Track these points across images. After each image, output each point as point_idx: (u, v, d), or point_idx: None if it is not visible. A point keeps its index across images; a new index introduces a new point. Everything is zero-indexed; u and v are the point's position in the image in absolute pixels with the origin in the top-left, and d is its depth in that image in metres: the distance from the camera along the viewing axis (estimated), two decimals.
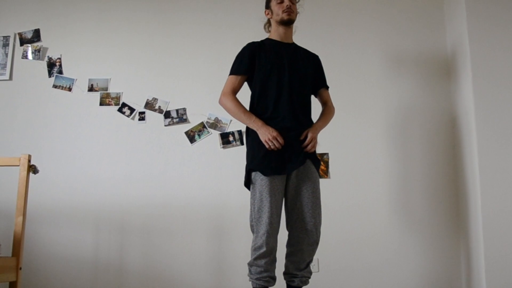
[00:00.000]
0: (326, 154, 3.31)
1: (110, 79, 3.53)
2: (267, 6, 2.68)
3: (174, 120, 3.43)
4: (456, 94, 3.26)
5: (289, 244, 2.52)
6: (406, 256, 3.18)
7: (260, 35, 2.75)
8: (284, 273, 2.54)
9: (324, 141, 3.10)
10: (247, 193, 2.58)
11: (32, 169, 2.51)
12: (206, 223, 3.28)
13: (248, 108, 2.60)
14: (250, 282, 2.46)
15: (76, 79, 3.54)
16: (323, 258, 3.12)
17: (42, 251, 3.28)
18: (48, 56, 3.59)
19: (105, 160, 3.40)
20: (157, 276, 3.23)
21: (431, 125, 3.31)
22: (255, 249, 2.42)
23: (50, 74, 3.57)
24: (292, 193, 2.49)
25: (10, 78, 3.58)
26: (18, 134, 3.48)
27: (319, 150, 2.76)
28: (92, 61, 3.56)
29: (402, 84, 3.38)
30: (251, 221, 2.47)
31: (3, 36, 3.64)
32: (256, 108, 2.57)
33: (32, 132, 3.47)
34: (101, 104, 3.49)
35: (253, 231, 2.46)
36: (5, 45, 3.62)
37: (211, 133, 3.40)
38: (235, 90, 2.61)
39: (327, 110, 2.73)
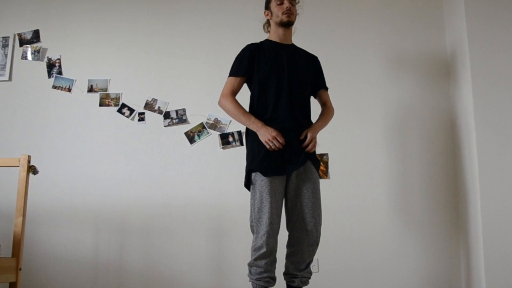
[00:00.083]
0: (326, 154, 3.32)
1: (109, 79, 3.53)
2: (267, 7, 2.68)
3: (174, 121, 3.43)
4: (455, 94, 3.26)
5: (289, 245, 2.52)
6: (406, 256, 3.18)
7: (259, 36, 2.75)
8: (284, 274, 2.54)
9: (324, 142, 3.10)
10: (246, 193, 2.58)
11: (32, 169, 2.52)
12: (206, 223, 3.28)
13: (247, 110, 2.60)
14: (250, 282, 2.46)
15: (76, 80, 3.54)
16: (323, 259, 3.12)
17: (42, 251, 3.28)
18: (47, 57, 3.59)
19: (105, 161, 3.40)
20: (157, 276, 3.23)
21: (430, 125, 3.32)
22: (255, 249, 2.42)
23: (49, 74, 3.57)
24: (292, 193, 2.49)
25: (10, 79, 3.58)
26: (17, 134, 3.48)
27: (318, 150, 2.77)
28: (92, 61, 3.56)
29: (402, 85, 3.39)
30: (251, 221, 2.47)
31: (3, 37, 3.63)
32: (256, 110, 2.57)
33: (32, 133, 3.47)
34: (101, 104, 3.49)
35: (253, 232, 2.47)
36: (5, 46, 3.62)
37: (211, 134, 3.40)
38: (234, 92, 2.62)
39: (327, 110, 2.73)
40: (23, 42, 3.63)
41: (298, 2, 2.70)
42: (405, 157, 3.29)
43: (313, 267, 2.62)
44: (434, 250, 3.17)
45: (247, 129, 2.60)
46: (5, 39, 3.63)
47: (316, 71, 2.74)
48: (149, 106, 3.47)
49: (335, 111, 2.76)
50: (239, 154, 3.17)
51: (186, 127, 3.42)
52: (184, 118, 3.43)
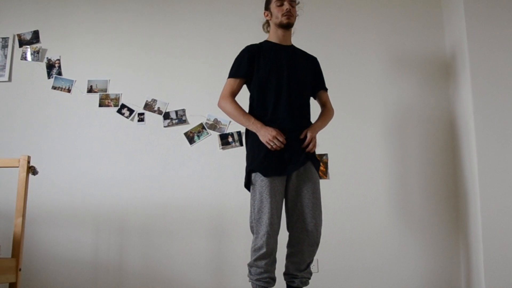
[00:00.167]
0: (325, 155, 3.32)
1: (109, 80, 3.53)
2: (267, 7, 2.68)
3: (174, 121, 3.43)
4: (455, 94, 3.27)
5: (289, 245, 2.52)
6: (406, 256, 3.18)
7: (259, 36, 2.75)
8: (284, 274, 2.54)
9: (323, 142, 3.10)
10: (246, 193, 2.58)
11: (32, 170, 2.52)
12: (205, 223, 3.28)
13: (247, 111, 2.60)
14: (250, 283, 2.46)
15: (75, 81, 3.54)
16: (323, 259, 3.12)
17: (42, 252, 3.28)
18: (47, 58, 3.60)
19: (105, 161, 3.41)
20: (157, 277, 3.23)
21: (430, 125, 3.32)
22: (255, 250, 2.42)
23: (49, 75, 3.57)
24: (292, 194, 2.49)
25: (9, 79, 3.58)
26: (17, 135, 3.48)
27: (318, 151, 2.77)
28: (91, 62, 3.56)
29: (401, 85, 3.39)
30: (251, 222, 2.47)
31: (2, 38, 3.63)
32: (255, 111, 2.57)
33: (32, 134, 3.47)
34: (101, 105, 3.49)
35: (253, 232, 2.47)
36: (4, 46, 3.62)
37: (210, 134, 3.40)
38: (234, 93, 2.62)
39: (326, 111, 2.74)
40: (22, 42, 3.63)
41: (298, 3, 2.69)
42: (405, 157, 3.29)
43: (312, 267, 2.62)
44: (434, 250, 3.18)
45: (247, 129, 2.61)
46: (5, 39, 3.63)
47: (315, 72, 2.74)
48: (148, 106, 3.47)
49: (334, 111, 2.76)
50: (238, 155, 3.17)
51: (185, 128, 3.42)
52: (183, 118, 3.43)
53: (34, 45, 3.61)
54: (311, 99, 2.72)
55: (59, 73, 3.56)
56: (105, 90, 3.51)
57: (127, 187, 3.35)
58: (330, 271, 3.17)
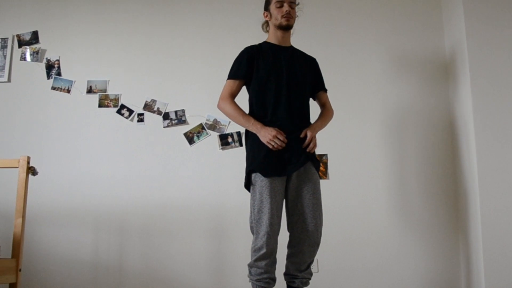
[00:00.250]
0: (325, 155, 3.32)
1: (108, 80, 3.53)
2: (266, 8, 2.67)
3: (173, 122, 3.43)
4: (454, 95, 3.27)
5: (290, 245, 2.52)
6: (406, 257, 3.18)
7: (259, 37, 2.75)
8: (285, 274, 2.54)
9: (323, 142, 3.10)
10: (246, 193, 2.58)
11: (31, 170, 2.52)
12: (205, 223, 3.28)
13: (247, 112, 2.60)
14: (250, 283, 2.46)
15: (75, 81, 3.54)
16: (323, 259, 3.12)
17: (42, 252, 3.28)
18: (46, 58, 3.59)
19: (104, 162, 3.40)
20: (156, 277, 3.23)
21: (429, 126, 3.32)
22: (255, 250, 2.41)
23: (48, 76, 3.56)
24: (293, 194, 2.49)
25: (9, 80, 3.57)
26: (17, 136, 3.47)
27: (318, 151, 2.77)
28: (91, 62, 3.56)
29: (401, 85, 3.39)
30: (251, 222, 2.47)
31: (1, 38, 3.63)
32: (255, 112, 2.57)
33: (31, 134, 3.47)
34: (100, 105, 3.49)
35: (253, 233, 2.46)
36: (4, 47, 3.61)
37: (210, 135, 3.40)
38: (233, 95, 2.62)
39: (326, 111, 2.74)
40: (22, 43, 3.62)
41: (298, 4, 2.69)
42: (404, 157, 3.30)
43: (312, 267, 2.62)
44: (434, 250, 3.18)
45: (246, 130, 2.61)
46: (4, 40, 3.63)
47: (315, 73, 2.74)
48: (148, 107, 3.47)
49: (334, 111, 2.77)
50: (238, 155, 3.18)
51: (185, 128, 3.42)
52: (183, 119, 3.43)
53: (34, 46, 3.61)
54: (311, 100, 2.72)
55: (59, 74, 3.56)
56: (105, 91, 3.51)
57: (127, 187, 3.35)
58: (330, 271, 3.17)
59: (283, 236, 2.51)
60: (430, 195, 3.24)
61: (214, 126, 3.40)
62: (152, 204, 3.32)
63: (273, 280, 2.46)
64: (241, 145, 3.33)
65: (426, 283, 3.14)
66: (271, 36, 2.68)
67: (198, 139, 3.40)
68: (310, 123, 2.64)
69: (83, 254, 3.27)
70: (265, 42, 2.69)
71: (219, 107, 2.63)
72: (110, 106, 3.49)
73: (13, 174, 2.61)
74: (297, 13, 2.67)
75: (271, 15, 2.64)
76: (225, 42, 3.48)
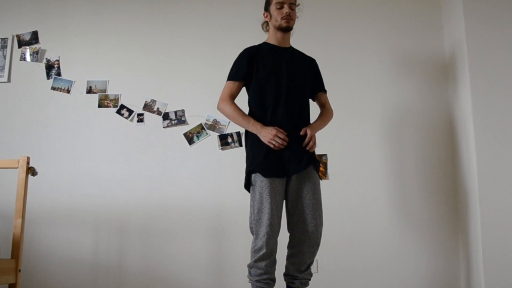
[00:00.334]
0: (325, 155, 3.32)
1: (108, 81, 3.53)
2: (266, 9, 2.67)
3: (173, 122, 3.43)
4: (454, 95, 3.27)
5: (290, 246, 2.52)
6: (405, 257, 3.18)
7: (259, 37, 2.75)
8: (285, 274, 2.54)
9: (323, 142, 3.10)
10: (245, 193, 2.58)
11: (31, 171, 2.52)
12: (205, 224, 3.28)
13: (246, 113, 2.60)
14: (250, 283, 2.46)
15: (75, 81, 3.54)
16: (322, 259, 3.12)
17: (41, 253, 3.28)
18: (46, 58, 3.59)
19: (104, 162, 3.40)
20: (157, 277, 3.23)
21: (429, 126, 3.32)
22: (255, 251, 2.41)
23: (48, 76, 3.56)
24: (293, 194, 2.49)
25: (9, 80, 3.58)
26: (16, 136, 3.47)
27: (317, 151, 2.77)
28: (91, 63, 3.56)
29: (400, 85, 3.39)
30: (251, 223, 2.47)
31: (1, 38, 3.63)
32: (255, 114, 2.57)
33: (31, 134, 3.47)
34: (100, 106, 3.49)
35: (252, 233, 2.46)
36: (3, 47, 3.62)
37: (210, 135, 3.40)
38: (233, 96, 2.62)
39: (326, 112, 2.74)
40: (21, 43, 3.62)
41: (298, 5, 2.68)
42: (404, 157, 3.30)
43: (312, 267, 2.62)
44: (434, 250, 3.18)
45: (246, 130, 2.60)
46: (4, 40, 3.63)
47: (314, 74, 2.73)
48: (148, 107, 3.47)
49: (334, 111, 2.77)
50: (238, 155, 3.17)
51: (185, 128, 3.42)
52: (183, 119, 3.43)
53: (33, 46, 3.61)
54: (311, 101, 2.72)
55: (58, 74, 3.56)
56: (105, 91, 3.51)
57: (127, 187, 3.35)
58: (330, 271, 3.17)
59: (283, 237, 2.51)
60: (430, 195, 3.24)
61: (213, 126, 3.40)
62: (152, 204, 3.32)
63: (273, 280, 2.46)
64: (240, 145, 3.33)
65: (426, 283, 3.14)
66: (271, 37, 2.68)
67: (198, 139, 3.40)
68: (309, 123, 2.64)
69: (83, 254, 3.27)
70: (264, 43, 2.69)
71: (219, 108, 2.63)
72: (110, 106, 3.49)
73: (13, 174, 2.61)
74: (297, 14, 2.66)
75: (271, 16, 2.63)
76: (225, 42, 3.47)
